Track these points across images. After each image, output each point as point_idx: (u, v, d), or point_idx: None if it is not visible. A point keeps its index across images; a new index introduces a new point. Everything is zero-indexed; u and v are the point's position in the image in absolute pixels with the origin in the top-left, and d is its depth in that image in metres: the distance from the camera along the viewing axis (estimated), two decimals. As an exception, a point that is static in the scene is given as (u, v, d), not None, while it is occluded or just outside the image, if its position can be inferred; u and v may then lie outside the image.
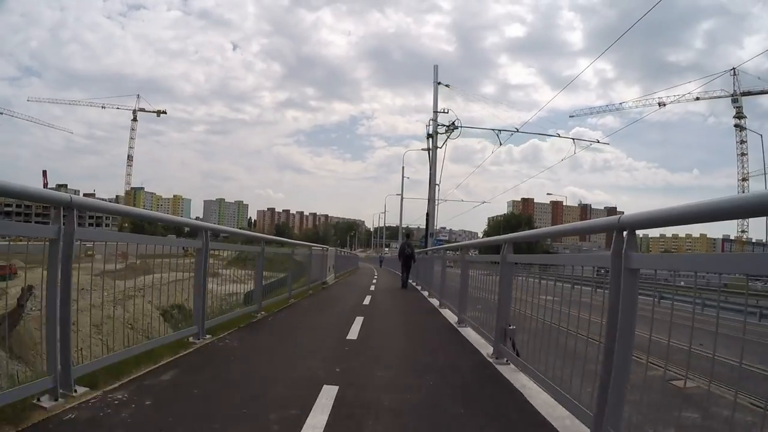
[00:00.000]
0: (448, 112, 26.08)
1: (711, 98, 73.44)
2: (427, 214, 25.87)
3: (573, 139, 30.11)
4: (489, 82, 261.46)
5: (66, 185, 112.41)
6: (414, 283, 16.37)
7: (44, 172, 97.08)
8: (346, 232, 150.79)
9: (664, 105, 74.60)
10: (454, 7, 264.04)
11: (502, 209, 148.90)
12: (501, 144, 26.50)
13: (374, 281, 18.88)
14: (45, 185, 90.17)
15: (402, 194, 40.58)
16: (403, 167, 39.58)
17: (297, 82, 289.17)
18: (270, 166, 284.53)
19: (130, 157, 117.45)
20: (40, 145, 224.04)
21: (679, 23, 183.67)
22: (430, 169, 24.66)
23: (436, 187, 25.85)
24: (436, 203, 26.47)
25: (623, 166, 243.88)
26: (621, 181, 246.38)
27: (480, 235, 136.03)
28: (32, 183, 3.18)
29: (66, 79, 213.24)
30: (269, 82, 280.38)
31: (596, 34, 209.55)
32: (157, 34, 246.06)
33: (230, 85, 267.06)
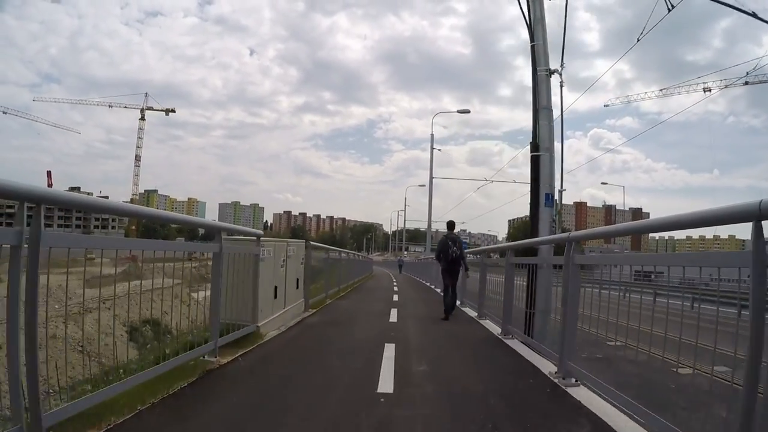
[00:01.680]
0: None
1: (763, 82, 69.10)
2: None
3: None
4: (505, 84, 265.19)
5: (79, 188, 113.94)
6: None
7: (48, 173, 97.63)
8: (363, 235, 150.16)
9: (710, 90, 71.25)
10: (469, 9, 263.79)
11: (520, 212, 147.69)
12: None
13: (395, 299, 12.71)
14: (49, 185, 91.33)
15: (431, 172, 31.79)
16: (432, 135, 32.00)
17: (314, 86, 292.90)
18: (288, 171, 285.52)
19: (138, 158, 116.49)
20: (60, 151, 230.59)
21: (696, 22, 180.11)
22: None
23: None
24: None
25: (641, 168, 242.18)
26: (640, 183, 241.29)
27: (500, 239, 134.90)
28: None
29: (85, 85, 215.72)
30: (286, 87, 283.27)
31: (613, 34, 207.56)
32: (174, 41, 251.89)
33: (247, 90, 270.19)
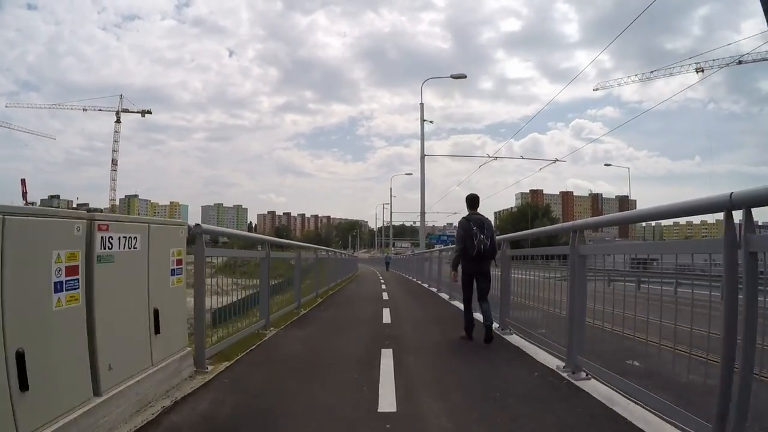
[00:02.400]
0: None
1: (756, 61, 69.53)
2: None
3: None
4: (486, 77, 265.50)
5: (58, 196, 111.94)
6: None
7: (23, 181, 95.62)
8: (348, 233, 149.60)
9: (702, 71, 72.21)
10: (448, 3, 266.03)
11: (505, 204, 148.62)
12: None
13: (386, 321, 8.28)
14: (24, 194, 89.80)
15: (423, 149, 27.29)
16: (422, 104, 27.13)
17: (294, 85, 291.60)
18: (271, 171, 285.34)
19: (114, 162, 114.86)
20: (42, 159, 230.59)
21: (675, 10, 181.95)
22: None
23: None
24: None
25: (624, 156, 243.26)
26: (623, 172, 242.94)
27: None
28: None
29: (64, 92, 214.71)
30: (267, 87, 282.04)
31: (592, 24, 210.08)
32: (152, 44, 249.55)
33: (228, 91, 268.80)
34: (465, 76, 25.35)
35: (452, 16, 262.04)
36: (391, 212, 58.04)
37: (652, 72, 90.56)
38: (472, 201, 6.50)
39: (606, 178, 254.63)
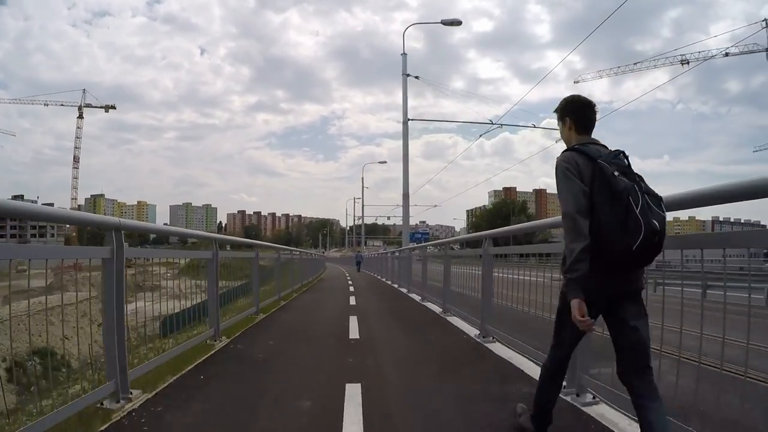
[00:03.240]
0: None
1: (743, 53, 71.09)
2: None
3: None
4: (458, 77, 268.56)
5: (22, 195, 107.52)
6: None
7: None
8: (319, 231, 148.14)
9: (687, 63, 73.85)
10: (421, 3, 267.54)
11: (475, 203, 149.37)
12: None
13: (351, 338, 6.23)
14: None
15: (405, 111, 22.57)
16: (404, 54, 23.88)
17: (266, 84, 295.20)
18: (242, 171, 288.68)
19: (76, 159, 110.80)
20: (9, 159, 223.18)
21: (646, 12, 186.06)
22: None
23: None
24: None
25: None
26: None
27: (458, 230, 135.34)
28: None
29: (32, 89, 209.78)
30: (238, 86, 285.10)
31: (563, 25, 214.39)
32: (123, 41, 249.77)
33: (199, 90, 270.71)
34: (460, 23, 23.46)
35: (425, 15, 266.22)
36: (363, 205, 54.06)
37: (635, 64, 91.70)
38: (583, 110, 2.61)
39: None
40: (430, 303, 9.72)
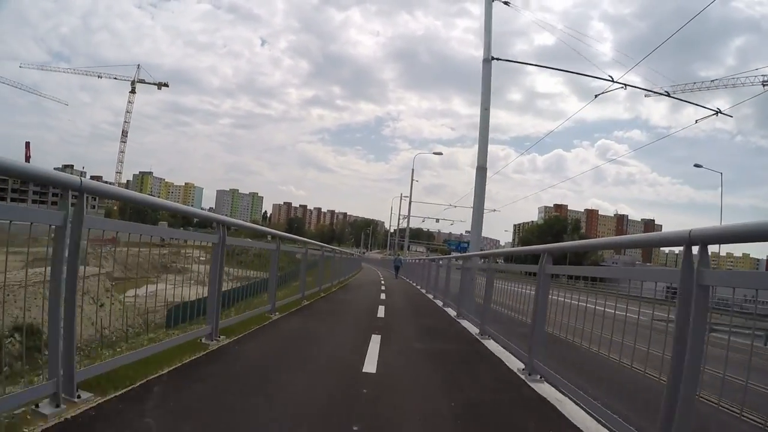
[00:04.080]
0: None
1: None
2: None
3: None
4: (516, 89, 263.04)
5: (72, 165, 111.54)
6: None
7: (27, 144, 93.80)
8: (362, 230, 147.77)
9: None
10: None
11: (523, 218, 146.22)
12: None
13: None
14: (27, 158, 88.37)
15: (488, 54, 16.86)
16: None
17: (324, 80, 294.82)
18: (293, 163, 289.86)
19: (124, 133, 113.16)
20: (67, 131, 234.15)
21: (711, 37, 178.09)
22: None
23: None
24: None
25: (647, 181, 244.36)
26: (644, 196, 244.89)
27: (503, 244, 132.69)
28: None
29: (94, 66, 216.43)
30: (296, 79, 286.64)
31: (626, 45, 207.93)
32: (186, 26, 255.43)
33: (257, 80, 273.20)
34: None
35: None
36: (410, 201, 46.84)
37: (712, 81, 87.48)
38: None
39: (626, 200, 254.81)
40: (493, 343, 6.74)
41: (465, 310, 9.06)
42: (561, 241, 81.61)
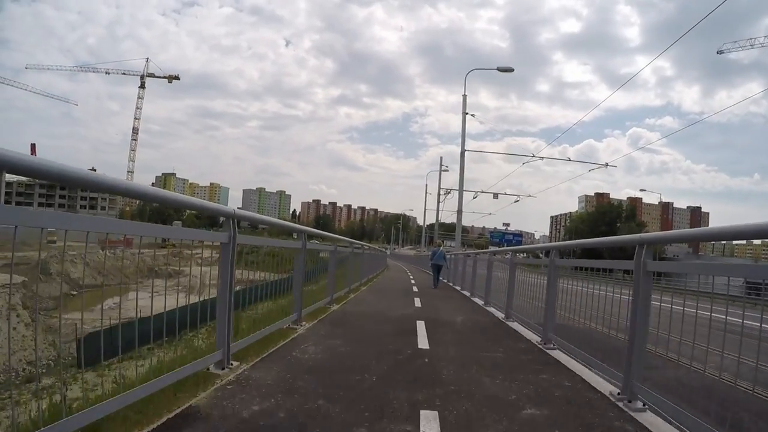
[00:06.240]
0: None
1: None
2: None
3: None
4: (543, 79, 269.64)
5: (95, 169, 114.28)
6: None
7: (32, 146, 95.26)
8: (392, 225, 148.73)
9: None
10: (507, 1, 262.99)
11: (558, 210, 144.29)
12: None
13: None
14: None
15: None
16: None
17: (350, 78, 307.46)
18: (323, 163, 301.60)
19: (135, 130, 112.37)
20: (99, 139, 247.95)
21: (741, 18, 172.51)
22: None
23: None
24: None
25: (681, 169, 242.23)
26: (679, 184, 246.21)
27: (537, 238, 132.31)
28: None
29: (121, 74, 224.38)
30: (322, 79, 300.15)
31: (654, 29, 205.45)
32: (210, 31, 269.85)
33: (283, 81, 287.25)
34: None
35: (511, 14, 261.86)
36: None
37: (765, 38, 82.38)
38: None
39: (660, 189, 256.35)
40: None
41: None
42: (616, 230, 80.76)
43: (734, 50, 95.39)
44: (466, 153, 24.95)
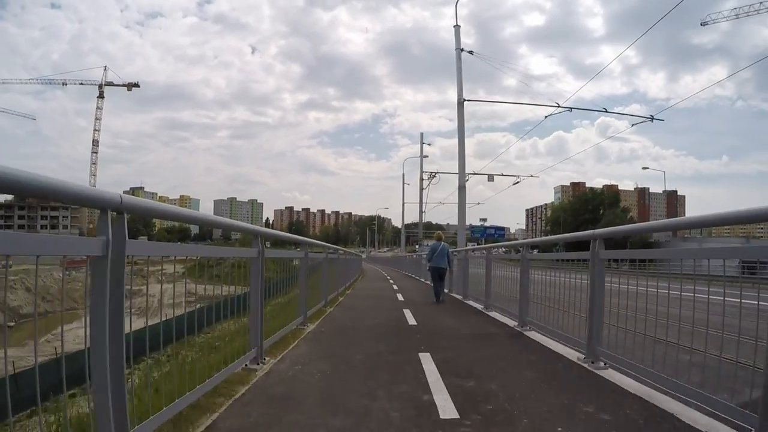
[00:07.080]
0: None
1: None
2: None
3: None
4: (511, 73, 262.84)
5: None
6: None
7: None
8: (367, 227, 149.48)
9: None
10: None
11: (532, 203, 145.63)
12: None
13: None
14: None
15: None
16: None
17: (317, 82, 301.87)
18: (295, 169, 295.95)
19: (95, 142, 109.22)
20: (68, 156, 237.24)
21: (702, 3, 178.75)
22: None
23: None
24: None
25: (650, 155, 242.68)
26: (649, 171, 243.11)
27: (513, 232, 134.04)
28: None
29: (89, 89, 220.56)
30: (290, 84, 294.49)
31: (618, 18, 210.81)
32: (175, 41, 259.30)
33: (251, 88, 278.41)
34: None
35: (475, 10, 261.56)
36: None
37: (761, 2, 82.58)
38: None
39: (631, 177, 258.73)
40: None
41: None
42: (600, 217, 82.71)
43: (719, 21, 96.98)
44: (465, 102, 23.70)
